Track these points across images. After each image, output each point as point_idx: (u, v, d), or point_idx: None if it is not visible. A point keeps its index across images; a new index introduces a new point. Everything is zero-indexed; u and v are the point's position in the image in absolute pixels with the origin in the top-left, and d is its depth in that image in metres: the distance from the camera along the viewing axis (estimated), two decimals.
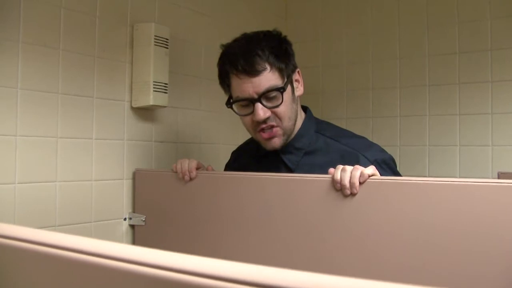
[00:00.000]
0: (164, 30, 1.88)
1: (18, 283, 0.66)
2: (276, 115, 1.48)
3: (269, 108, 1.46)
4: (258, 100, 1.45)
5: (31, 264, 0.64)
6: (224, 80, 1.53)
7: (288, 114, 1.50)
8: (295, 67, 1.55)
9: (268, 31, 1.54)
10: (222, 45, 1.56)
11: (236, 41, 1.54)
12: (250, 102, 1.47)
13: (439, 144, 2.33)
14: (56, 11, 1.63)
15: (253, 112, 1.47)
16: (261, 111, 1.45)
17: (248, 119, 1.51)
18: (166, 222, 1.72)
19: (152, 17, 1.96)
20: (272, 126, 1.49)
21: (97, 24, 1.75)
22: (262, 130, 1.50)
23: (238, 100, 1.50)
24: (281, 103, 1.46)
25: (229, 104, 1.54)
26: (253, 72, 1.43)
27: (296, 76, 1.56)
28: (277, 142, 1.52)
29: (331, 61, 2.69)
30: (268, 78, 1.44)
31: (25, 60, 1.54)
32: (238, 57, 1.45)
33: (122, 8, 1.85)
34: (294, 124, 1.55)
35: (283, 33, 1.57)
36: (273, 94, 1.45)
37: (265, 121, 1.47)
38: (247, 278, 0.42)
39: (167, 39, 1.88)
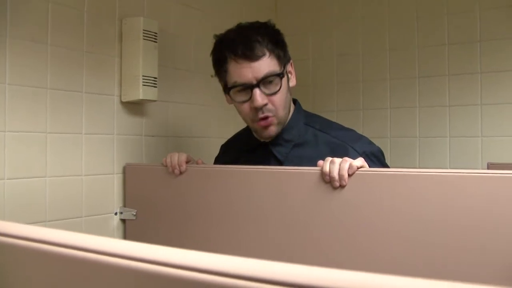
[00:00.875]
0: (152, 24, 1.87)
1: (9, 280, 0.66)
2: (272, 103, 1.47)
3: (267, 94, 1.46)
4: (257, 85, 1.45)
5: (23, 260, 0.64)
6: (222, 66, 1.51)
7: (283, 103, 1.50)
8: (289, 58, 1.56)
9: (264, 22, 1.54)
10: (216, 35, 1.55)
11: (232, 30, 1.53)
12: (248, 88, 1.46)
13: (429, 135, 2.35)
14: (44, 5, 1.62)
15: (250, 98, 1.47)
16: (260, 97, 1.44)
17: (245, 106, 1.50)
18: (157, 216, 1.72)
19: (140, 11, 1.95)
20: (267, 117, 1.48)
21: (85, 19, 1.74)
22: (259, 119, 1.50)
23: (236, 86, 1.48)
24: (279, 89, 1.46)
25: (226, 90, 1.53)
26: (253, 56, 1.43)
27: (289, 67, 1.56)
28: (273, 130, 1.52)
29: (321, 53, 2.69)
30: (268, 63, 1.45)
31: (13, 56, 1.53)
32: (237, 43, 1.45)
33: (110, 2, 1.84)
34: (288, 114, 1.55)
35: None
36: (272, 79, 1.46)
37: (262, 110, 1.47)
38: (238, 271, 0.43)
39: (156, 33, 1.87)
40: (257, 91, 1.45)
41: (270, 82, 1.46)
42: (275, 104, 1.48)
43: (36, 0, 1.60)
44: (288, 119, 1.57)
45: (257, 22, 1.53)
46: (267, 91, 1.46)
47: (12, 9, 1.53)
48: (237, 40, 1.46)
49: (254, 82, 1.44)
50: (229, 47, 1.47)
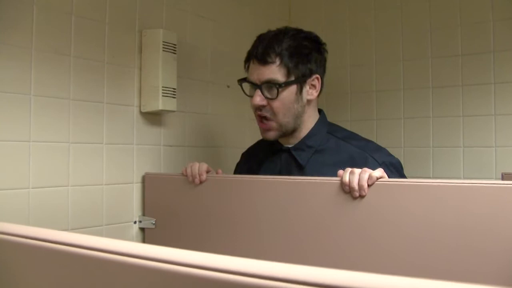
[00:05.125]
0: (172, 35, 1.91)
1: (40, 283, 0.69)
2: (270, 107, 1.57)
3: (265, 98, 1.57)
4: (259, 86, 1.56)
5: (55, 262, 0.66)
6: (246, 62, 1.65)
7: (282, 111, 1.58)
8: (311, 72, 1.61)
9: (307, 33, 1.65)
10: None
11: (268, 32, 1.64)
12: (254, 86, 1.58)
13: (443, 145, 2.35)
14: (67, 18, 1.66)
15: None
16: (258, 97, 1.58)
17: (251, 101, 1.61)
18: (176, 225, 1.75)
19: (159, 23, 1.98)
20: (266, 118, 1.59)
21: (106, 31, 1.78)
22: (260, 118, 1.61)
23: (245, 81, 1.64)
24: (275, 97, 1.56)
25: (240, 81, 1.67)
26: (262, 61, 1.56)
27: (314, 81, 1.62)
28: (271, 135, 1.62)
29: (334, 63, 2.69)
30: (273, 70, 1.55)
31: (37, 67, 1.57)
32: (259, 45, 1.58)
33: (130, 14, 1.88)
34: (294, 122, 1.61)
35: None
36: (271, 86, 1.56)
37: (260, 109, 1.58)
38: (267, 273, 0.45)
39: (175, 44, 1.91)
40: (257, 92, 1.59)
41: (270, 87, 1.56)
42: (273, 109, 1.58)
43: (59, 13, 1.63)
44: (311, 127, 1.65)
45: (297, 32, 1.63)
46: (267, 95, 1.57)
47: (37, 22, 1.56)
48: (260, 43, 1.58)
49: (258, 83, 1.57)
50: (254, 46, 1.61)
